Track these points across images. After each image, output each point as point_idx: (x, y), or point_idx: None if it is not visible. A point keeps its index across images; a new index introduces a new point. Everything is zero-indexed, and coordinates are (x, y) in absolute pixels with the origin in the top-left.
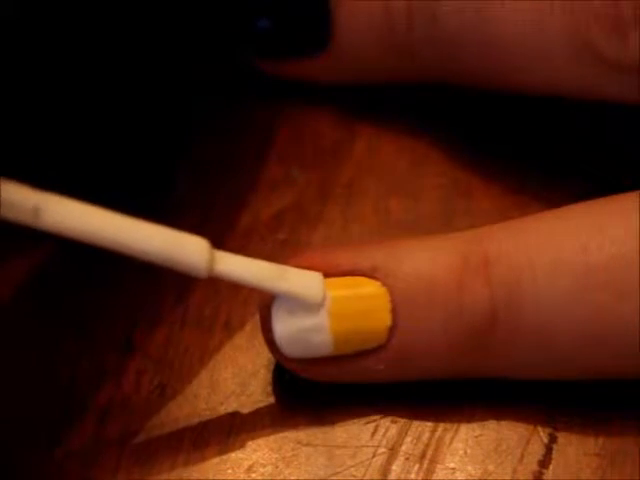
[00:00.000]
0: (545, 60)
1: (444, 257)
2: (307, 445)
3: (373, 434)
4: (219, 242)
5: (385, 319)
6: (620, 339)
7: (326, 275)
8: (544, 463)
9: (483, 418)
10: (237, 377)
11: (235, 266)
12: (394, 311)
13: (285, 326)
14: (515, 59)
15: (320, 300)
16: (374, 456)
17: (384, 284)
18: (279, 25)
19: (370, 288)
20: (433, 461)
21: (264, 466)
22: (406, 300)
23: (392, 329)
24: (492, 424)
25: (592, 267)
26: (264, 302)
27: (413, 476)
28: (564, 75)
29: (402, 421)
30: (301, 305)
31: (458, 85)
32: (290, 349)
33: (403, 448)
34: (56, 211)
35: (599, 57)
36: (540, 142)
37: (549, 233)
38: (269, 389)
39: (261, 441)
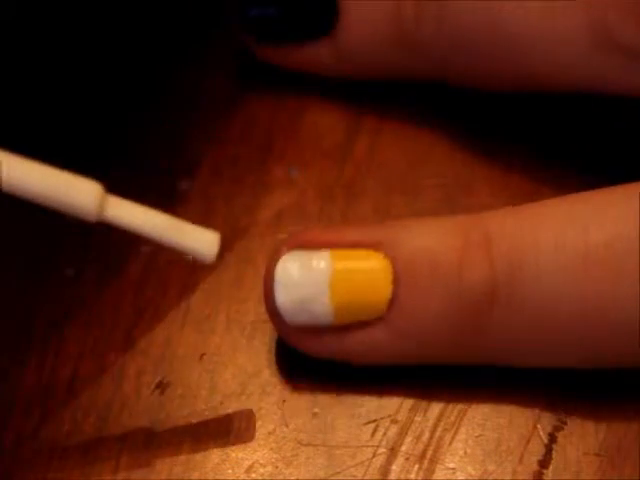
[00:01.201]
0: (562, 50)
1: (446, 233)
2: (307, 445)
3: (373, 434)
4: (220, 242)
5: (386, 291)
6: (618, 315)
7: (330, 247)
8: (544, 463)
9: (483, 418)
10: (237, 377)
11: (127, 213)
12: (395, 283)
13: (287, 295)
14: (530, 50)
15: (212, 258)
16: (374, 456)
17: (386, 256)
18: (282, 8)
19: (372, 260)
20: (433, 461)
21: (264, 466)
22: (407, 273)
23: (393, 301)
24: (492, 424)
25: (592, 245)
26: (268, 272)
27: (413, 476)
28: (581, 65)
29: (402, 421)
30: (304, 275)
31: (463, 86)
32: (292, 317)
33: (403, 448)
34: None
35: (617, 45)
36: (541, 140)
37: (552, 215)
38: (269, 389)
39: (261, 441)
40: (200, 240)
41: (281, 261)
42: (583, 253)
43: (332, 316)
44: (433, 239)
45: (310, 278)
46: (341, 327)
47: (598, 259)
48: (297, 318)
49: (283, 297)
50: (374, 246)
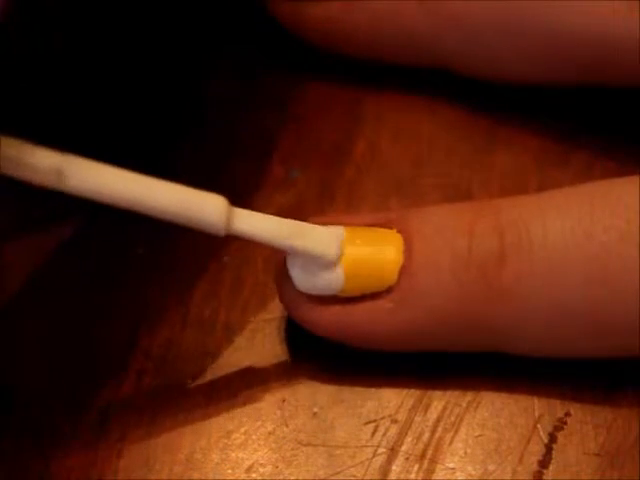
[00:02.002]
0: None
1: (456, 208)
2: (307, 445)
3: (373, 434)
4: (220, 241)
5: (396, 259)
6: (620, 278)
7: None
8: (544, 463)
9: (483, 418)
10: (237, 377)
11: (253, 224)
12: (406, 253)
13: (299, 259)
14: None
15: (335, 258)
16: (374, 456)
17: (399, 229)
18: None
19: (384, 232)
20: (433, 461)
21: (264, 466)
22: (417, 241)
23: (402, 270)
24: (492, 424)
25: (598, 211)
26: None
27: (413, 476)
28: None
29: (402, 421)
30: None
31: (468, 75)
32: (302, 282)
33: (403, 448)
34: (79, 173)
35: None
36: (542, 141)
37: (559, 193)
38: (269, 389)
39: (261, 441)
40: (323, 242)
41: None
42: (589, 217)
43: (342, 282)
44: (443, 212)
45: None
46: (349, 298)
47: (604, 225)
48: (307, 284)
49: (295, 262)
50: (386, 225)
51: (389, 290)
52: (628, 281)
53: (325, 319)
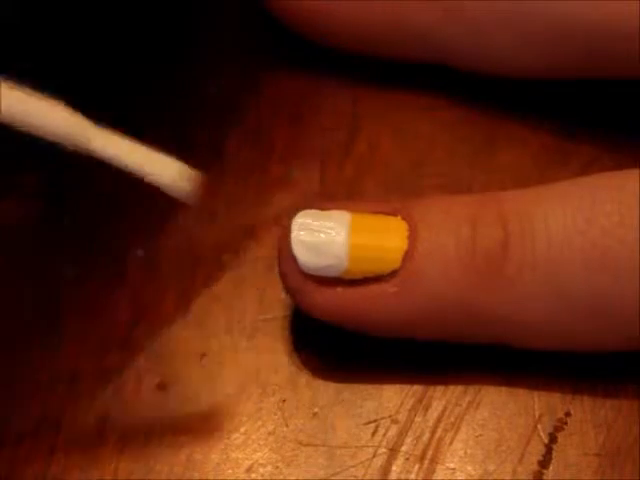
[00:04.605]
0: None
1: (460, 198)
2: (307, 445)
3: (373, 434)
4: (220, 242)
5: (401, 243)
6: (621, 263)
7: None
8: (544, 463)
9: (483, 418)
10: (237, 377)
11: (110, 144)
12: (410, 238)
13: (304, 238)
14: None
15: (180, 190)
16: (374, 456)
17: (403, 217)
18: None
19: (389, 219)
20: (433, 461)
21: (264, 466)
22: (422, 225)
23: (407, 254)
24: (492, 424)
25: (599, 198)
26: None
27: (413, 476)
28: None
29: (402, 421)
30: (323, 222)
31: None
32: (306, 262)
33: (403, 448)
34: None
35: None
36: (539, 142)
37: (560, 185)
38: (269, 389)
39: (261, 441)
40: (169, 171)
41: (302, 212)
42: (589, 205)
43: (346, 264)
44: (447, 202)
45: (329, 226)
46: (352, 281)
47: (604, 211)
48: (311, 265)
49: (300, 242)
50: (391, 214)
51: (393, 274)
52: (628, 267)
53: (327, 300)
